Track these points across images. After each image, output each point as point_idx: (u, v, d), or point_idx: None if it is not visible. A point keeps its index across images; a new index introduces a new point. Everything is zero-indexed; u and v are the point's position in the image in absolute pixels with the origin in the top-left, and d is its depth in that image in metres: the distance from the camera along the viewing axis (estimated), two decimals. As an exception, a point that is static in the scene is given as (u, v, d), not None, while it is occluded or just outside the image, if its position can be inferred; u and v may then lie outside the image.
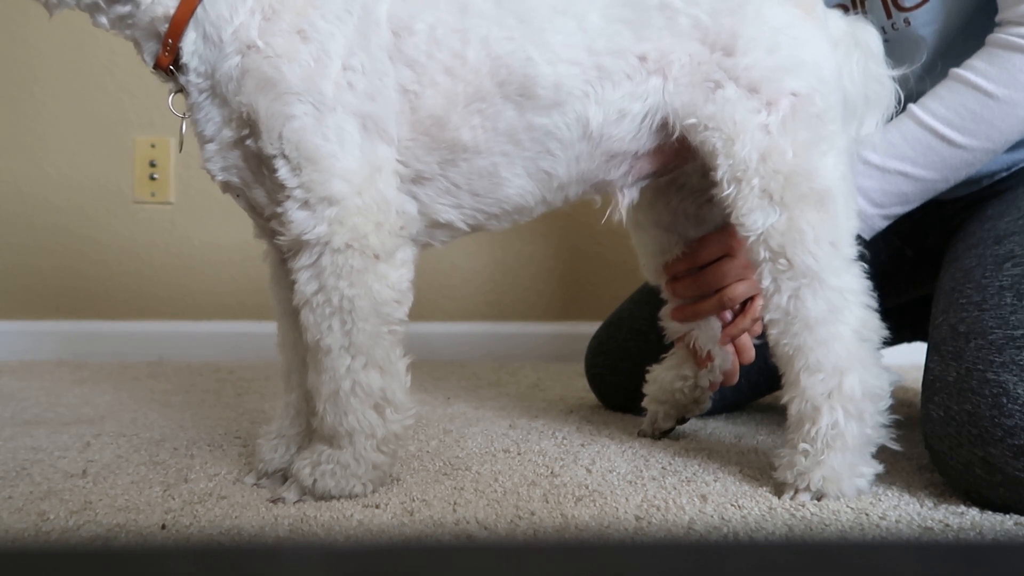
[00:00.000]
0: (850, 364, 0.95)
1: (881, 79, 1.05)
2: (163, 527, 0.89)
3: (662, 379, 1.22)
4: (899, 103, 1.08)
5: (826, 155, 0.97)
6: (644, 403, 1.24)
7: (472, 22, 0.95)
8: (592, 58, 0.96)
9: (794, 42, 0.98)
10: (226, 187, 0.99)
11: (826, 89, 0.98)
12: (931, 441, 0.96)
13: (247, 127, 0.94)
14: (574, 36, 0.96)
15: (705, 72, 0.97)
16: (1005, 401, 0.89)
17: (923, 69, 1.17)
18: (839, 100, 1.00)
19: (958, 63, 1.11)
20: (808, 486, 0.94)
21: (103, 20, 0.95)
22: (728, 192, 0.97)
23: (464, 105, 0.95)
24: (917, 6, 1.15)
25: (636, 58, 0.97)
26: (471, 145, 0.96)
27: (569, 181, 1.01)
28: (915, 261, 1.26)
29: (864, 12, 1.19)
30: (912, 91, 1.15)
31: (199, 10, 0.93)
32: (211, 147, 0.96)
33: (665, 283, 1.20)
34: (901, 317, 1.32)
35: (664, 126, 0.99)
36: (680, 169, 1.07)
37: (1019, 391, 0.89)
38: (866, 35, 1.04)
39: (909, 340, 1.44)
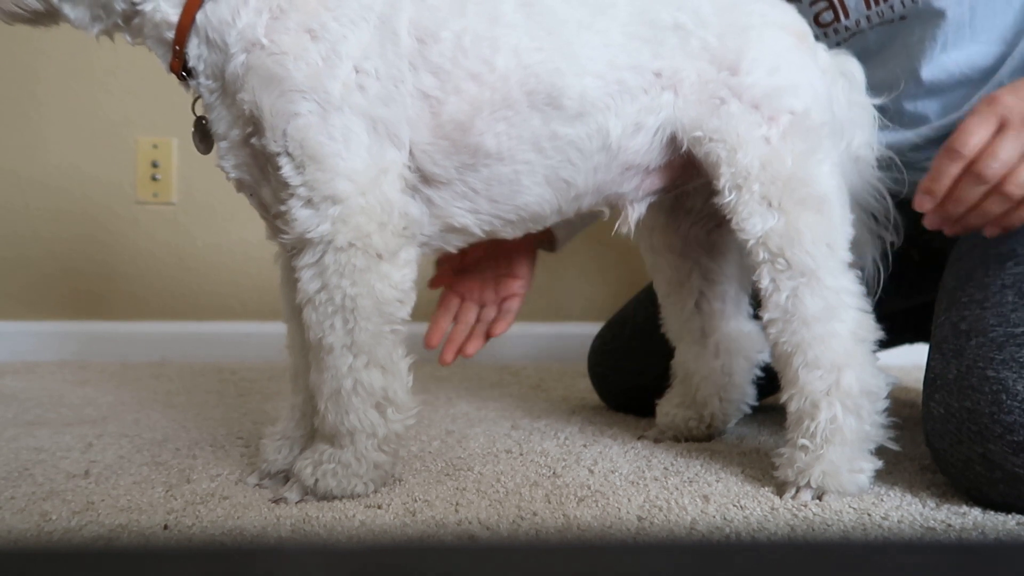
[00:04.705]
0: (847, 361, 0.97)
1: (864, 105, 1.11)
2: (165, 527, 0.89)
3: (673, 415, 1.23)
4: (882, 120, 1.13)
5: (822, 164, 1.01)
6: (657, 425, 1.25)
7: (502, 31, 0.97)
8: (614, 72, 0.99)
9: (791, 66, 1.03)
10: (240, 185, 1.00)
11: (820, 107, 1.03)
12: (932, 439, 0.97)
13: (251, 124, 0.94)
14: (598, 50, 0.99)
15: (712, 90, 1.01)
16: (1005, 398, 0.89)
17: (943, 44, 1.17)
18: (831, 119, 1.05)
19: (982, 37, 1.14)
20: (809, 483, 0.96)
21: (127, 36, 0.97)
22: (729, 199, 1.00)
23: (490, 112, 0.96)
24: None
25: (652, 74, 1.00)
26: (494, 151, 0.98)
27: (586, 191, 1.04)
28: (920, 265, 1.26)
29: None
30: (935, 61, 1.16)
31: (199, 16, 0.93)
32: (224, 145, 0.97)
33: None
34: (904, 319, 1.32)
35: (673, 140, 1.03)
36: (684, 187, 1.10)
37: (1019, 388, 0.89)
38: (849, 66, 1.11)
39: (911, 342, 1.44)
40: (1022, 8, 1.16)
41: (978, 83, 1.18)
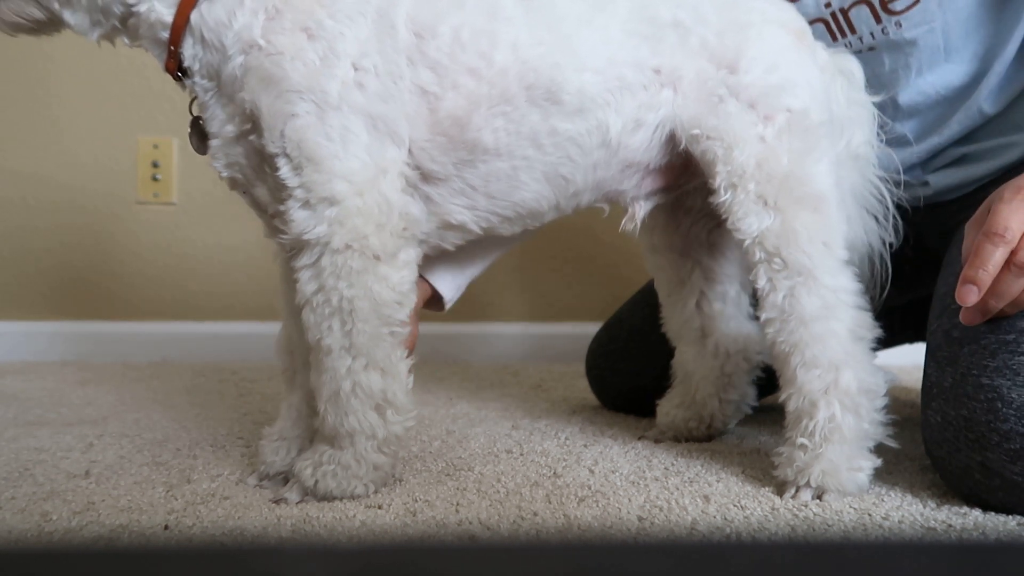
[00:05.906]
0: (845, 360, 0.97)
1: (863, 103, 1.11)
2: (166, 528, 0.89)
3: (673, 416, 1.23)
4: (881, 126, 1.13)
5: (819, 162, 1.01)
6: (657, 426, 1.25)
7: (501, 26, 0.96)
8: (614, 68, 0.99)
9: (790, 64, 1.03)
10: (233, 184, 1.00)
11: (817, 106, 1.03)
12: (931, 447, 0.97)
13: (249, 122, 0.94)
14: (598, 46, 0.99)
15: (710, 88, 1.01)
16: (1000, 406, 0.89)
17: (917, 70, 1.18)
18: (829, 118, 1.04)
19: (955, 58, 1.13)
20: (808, 482, 0.96)
21: (125, 38, 0.97)
22: (725, 198, 1.00)
23: (488, 107, 0.96)
24: (908, 8, 1.15)
25: (652, 71, 1.00)
26: (492, 147, 0.97)
27: (584, 188, 1.03)
28: (915, 262, 1.26)
29: (849, 22, 1.18)
30: (912, 86, 1.16)
31: (194, 15, 0.93)
32: (215, 143, 0.97)
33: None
34: (903, 318, 1.32)
35: (672, 138, 1.02)
36: (685, 186, 1.10)
37: (1013, 395, 0.89)
38: (848, 64, 1.11)
39: (911, 341, 1.44)
40: (993, 26, 1.16)
41: (953, 101, 1.19)
